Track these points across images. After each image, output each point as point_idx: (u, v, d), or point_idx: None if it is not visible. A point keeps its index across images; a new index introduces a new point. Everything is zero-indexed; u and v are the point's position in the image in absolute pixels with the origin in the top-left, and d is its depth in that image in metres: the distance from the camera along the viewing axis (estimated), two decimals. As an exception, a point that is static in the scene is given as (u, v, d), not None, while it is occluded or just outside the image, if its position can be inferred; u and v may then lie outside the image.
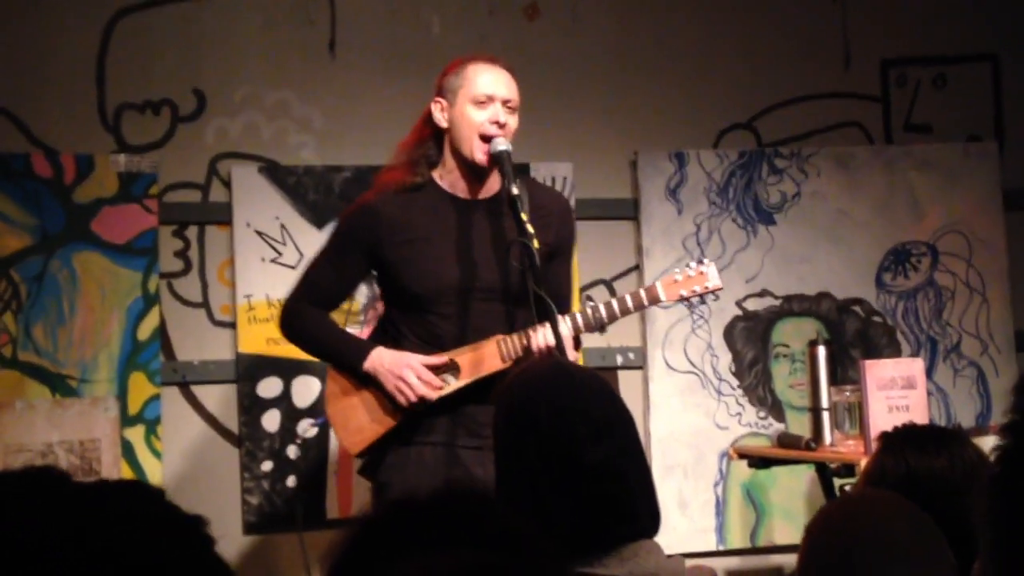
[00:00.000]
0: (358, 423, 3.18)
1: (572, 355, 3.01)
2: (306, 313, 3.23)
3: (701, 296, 3.20)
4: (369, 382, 3.15)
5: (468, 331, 3.11)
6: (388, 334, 3.21)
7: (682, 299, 3.19)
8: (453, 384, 3.11)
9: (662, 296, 3.14)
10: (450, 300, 3.12)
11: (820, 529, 1.79)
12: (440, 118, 3.14)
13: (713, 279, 3.17)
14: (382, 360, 3.12)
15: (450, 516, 1.11)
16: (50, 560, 0.90)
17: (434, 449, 3.10)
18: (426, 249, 3.12)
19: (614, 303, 3.09)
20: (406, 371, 3.08)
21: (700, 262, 3.19)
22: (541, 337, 3.01)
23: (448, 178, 3.17)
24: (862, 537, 1.72)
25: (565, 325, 3.02)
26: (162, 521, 0.98)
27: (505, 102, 3.10)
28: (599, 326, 3.09)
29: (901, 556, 1.70)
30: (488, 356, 3.08)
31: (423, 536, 1.09)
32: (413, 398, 3.08)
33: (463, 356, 3.10)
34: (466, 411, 3.11)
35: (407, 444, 3.13)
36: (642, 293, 3.14)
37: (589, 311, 3.09)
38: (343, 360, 3.19)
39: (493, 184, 3.15)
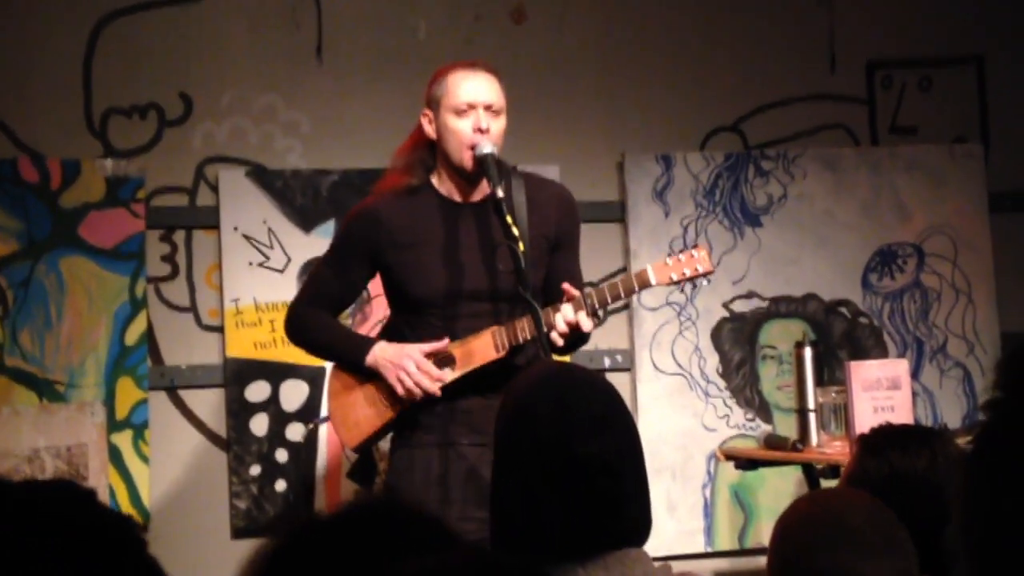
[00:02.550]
0: (356, 418, 3.21)
1: (559, 340, 3.02)
2: (309, 315, 3.26)
3: (692, 280, 3.12)
4: (371, 377, 3.18)
5: (465, 331, 3.14)
6: (393, 337, 3.23)
7: (673, 283, 3.12)
8: (449, 375, 3.12)
9: (652, 280, 3.08)
10: (447, 302, 3.14)
11: (783, 525, 1.82)
12: (429, 129, 3.17)
13: (704, 263, 3.10)
14: (384, 353, 3.15)
15: (367, 526, 1.10)
16: None
17: (439, 450, 3.11)
18: (425, 253, 3.15)
19: (605, 288, 3.07)
20: (406, 361, 3.10)
21: (694, 246, 3.16)
22: (560, 321, 2.99)
23: (444, 184, 3.20)
24: (820, 530, 1.75)
25: (560, 315, 3.02)
26: (91, 523, 0.97)
27: (487, 107, 3.11)
28: (591, 312, 3.04)
29: (857, 547, 1.73)
30: (483, 346, 3.10)
31: (343, 550, 1.08)
32: (414, 388, 3.09)
33: (458, 348, 3.13)
34: (466, 408, 3.12)
35: (410, 446, 3.15)
36: (632, 277, 3.10)
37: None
38: (346, 356, 3.22)
39: (487, 185, 3.15)
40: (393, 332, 3.25)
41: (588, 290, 3.08)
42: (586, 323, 3.01)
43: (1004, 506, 0.95)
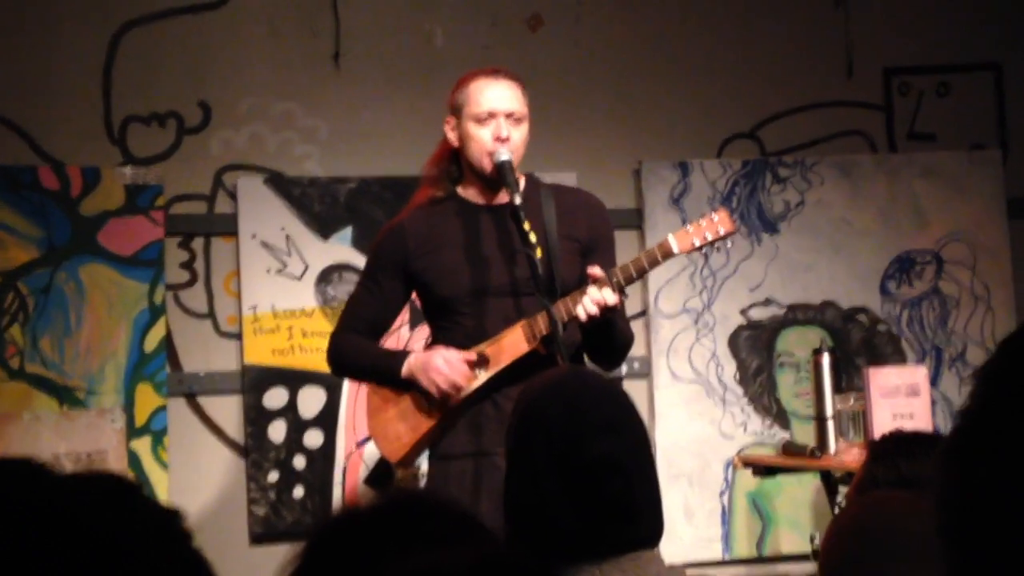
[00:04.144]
0: (396, 432, 3.20)
1: (589, 308, 2.97)
2: (345, 342, 3.26)
3: (715, 243, 3.07)
4: (408, 390, 3.17)
5: (494, 326, 3.12)
6: (430, 347, 3.23)
7: (696, 248, 3.06)
8: (484, 375, 3.11)
9: (675, 248, 3.04)
10: (473, 300, 3.14)
11: (836, 530, 1.78)
12: (452, 136, 3.18)
13: (725, 224, 3.05)
14: (416, 360, 3.14)
15: (403, 519, 1.12)
16: (18, 555, 0.91)
17: (473, 461, 3.10)
18: (446, 255, 3.16)
19: (629, 264, 3.03)
20: (434, 358, 3.10)
21: (713, 209, 3.12)
22: (588, 303, 2.96)
23: (469, 190, 3.21)
24: (874, 535, 1.72)
25: (574, 309, 3.00)
26: (137, 514, 0.99)
27: (508, 115, 3.11)
28: (616, 289, 3.00)
29: (911, 554, 1.69)
30: (514, 341, 3.08)
31: (383, 540, 1.10)
32: (444, 385, 3.08)
33: (490, 347, 3.11)
34: (501, 417, 3.10)
35: (445, 458, 3.15)
36: (655, 248, 3.05)
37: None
38: (384, 374, 3.21)
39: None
40: (430, 342, 3.26)
41: (613, 269, 3.05)
42: (611, 298, 2.97)
43: (976, 506, 0.95)
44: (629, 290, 3.11)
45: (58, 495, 0.98)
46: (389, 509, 1.14)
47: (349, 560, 1.09)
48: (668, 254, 3.04)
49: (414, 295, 3.31)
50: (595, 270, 3.00)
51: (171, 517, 1.01)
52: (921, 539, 1.70)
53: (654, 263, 3.05)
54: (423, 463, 3.42)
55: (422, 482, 3.34)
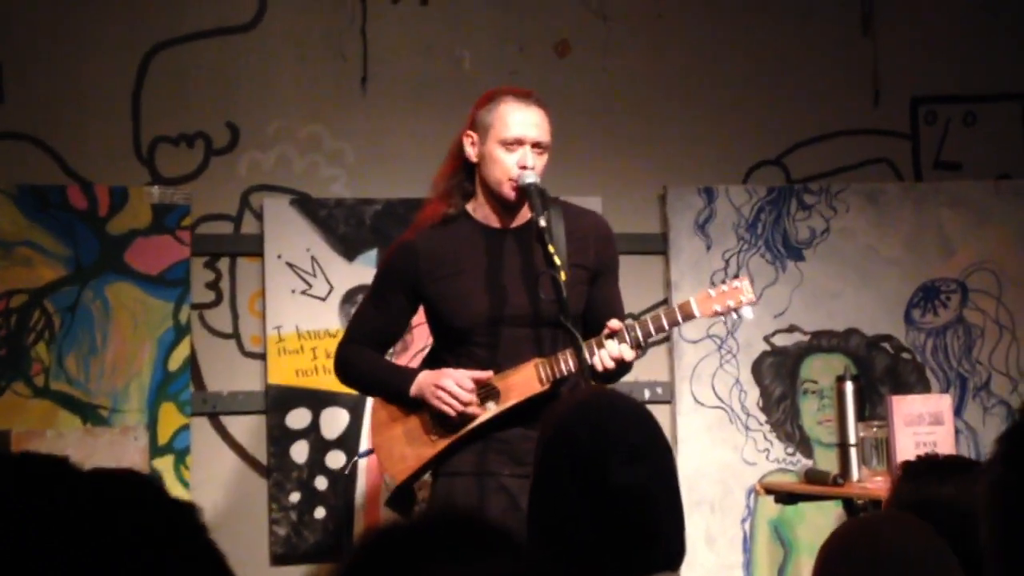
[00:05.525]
0: (401, 452, 3.21)
1: (607, 363, 3.01)
2: (354, 353, 3.28)
3: (735, 311, 3.13)
4: (416, 409, 3.18)
5: (508, 358, 3.14)
6: (435, 366, 3.24)
7: (716, 314, 3.12)
8: (494, 408, 3.12)
9: (696, 312, 3.09)
10: (489, 329, 3.14)
11: (834, 549, 1.78)
12: (470, 152, 3.16)
13: (747, 293, 3.12)
14: (426, 379, 3.15)
15: (450, 534, 1.15)
16: (41, 547, 0.93)
17: (478, 480, 3.11)
18: (463, 282, 3.16)
19: (648, 320, 3.08)
20: (445, 380, 3.11)
21: (734, 277, 3.17)
22: (606, 357, 3.00)
23: (481, 209, 3.20)
24: (875, 557, 1.71)
25: (604, 349, 3.03)
26: (154, 508, 1.03)
27: (535, 144, 3.11)
28: (634, 344, 3.06)
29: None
30: (527, 380, 3.10)
31: (427, 552, 1.13)
32: (457, 406, 3.09)
33: (502, 381, 3.13)
34: (510, 438, 3.12)
35: (450, 475, 3.16)
36: (676, 309, 3.11)
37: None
38: (392, 390, 3.23)
39: (526, 212, 3.16)
40: (436, 362, 3.26)
41: (631, 322, 3.08)
42: (629, 354, 3.02)
43: None
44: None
45: (80, 489, 1.01)
46: (429, 524, 1.17)
47: (387, 570, 1.11)
48: (689, 316, 3.10)
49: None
50: (614, 323, 3.03)
51: (187, 510, 1.06)
52: (920, 560, 1.70)
53: (673, 324, 3.12)
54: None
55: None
